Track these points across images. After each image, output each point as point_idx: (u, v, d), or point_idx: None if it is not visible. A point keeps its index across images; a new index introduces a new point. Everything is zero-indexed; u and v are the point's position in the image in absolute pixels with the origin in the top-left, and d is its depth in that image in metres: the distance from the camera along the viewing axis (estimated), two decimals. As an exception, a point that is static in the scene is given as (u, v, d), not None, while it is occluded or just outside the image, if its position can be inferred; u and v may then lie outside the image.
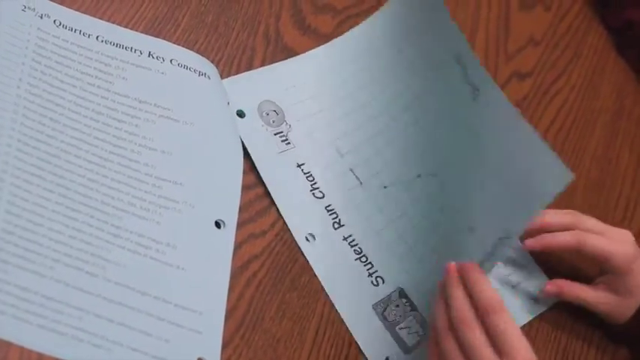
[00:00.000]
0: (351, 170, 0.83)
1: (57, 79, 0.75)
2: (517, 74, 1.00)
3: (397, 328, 0.78)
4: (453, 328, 0.69)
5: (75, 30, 0.78)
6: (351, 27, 0.93)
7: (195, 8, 0.85)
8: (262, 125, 0.82)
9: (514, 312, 0.84)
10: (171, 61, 0.81)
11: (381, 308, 0.78)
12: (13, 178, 0.69)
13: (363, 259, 0.80)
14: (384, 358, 0.76)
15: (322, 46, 0.88)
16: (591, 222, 0.85)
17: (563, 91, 1.02)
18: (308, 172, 0.82)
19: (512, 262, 0.86)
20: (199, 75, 0.81)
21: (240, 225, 0.76)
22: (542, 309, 0.86)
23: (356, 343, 0.77)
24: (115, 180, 0.73)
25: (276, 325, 0.75)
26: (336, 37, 0.91)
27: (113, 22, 0.80)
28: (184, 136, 0.78)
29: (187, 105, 0.79)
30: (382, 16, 0.88)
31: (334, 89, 0.86)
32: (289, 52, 0.87)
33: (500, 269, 0.85)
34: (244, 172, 0.79)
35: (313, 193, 0.81)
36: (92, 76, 0.77)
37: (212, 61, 0.83)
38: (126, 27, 0.80)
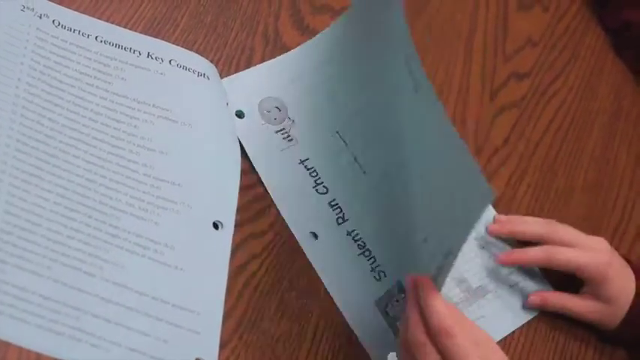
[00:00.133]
0: (355, 159, 0.82)
1: (56, 79, 0.75)
2: (515, 75, 1.00)
3: (398, 323, 0.78)
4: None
5: (74, 30, 0.78)
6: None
7: (194, 8, 0.85)
8: (263, 124, 0.82)
9: (513, 312, 0.85)
10: (170, 61, 0.81)
11: (383, 304, 0.78)
12: (11, 178, 0.69)
13: (367, 253, 0.80)
14: (387, 354, 0.76)
15: (315, 38, 0.86)
16: (565, 232, 0.85)
17: (561, 91, 1.02)
18: (311, 168, 0.82)
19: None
20: (198, 75, 0.81)
21: (239, 225, 0.76)
22: (540, 309, 0.86)
23: (355, 343, 0.77)
24: (113, 180, 0.73)
25: (274, 326, 0.75)
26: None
27: (112, 22, 0.80)
28: (183, 136, 0.78)
29: (186, 105, 0.79)
30: (351, 13, 0.85)
31: (332, 79, 0.84)
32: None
33: (501, 269, 0.85)
34: (243, 173, 0.79)
35: (317, 189, 0.81)
36: (91, 77, 0.77)
37: (211, 61, 0.83)
38: (125, 27, 0.80)
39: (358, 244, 0.80)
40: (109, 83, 0.77)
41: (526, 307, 0.85)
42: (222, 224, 0.76)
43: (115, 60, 0.78)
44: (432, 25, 0.98)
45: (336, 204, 0.81)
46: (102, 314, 0.67)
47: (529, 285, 0.86)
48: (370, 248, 0.80)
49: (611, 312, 0.84)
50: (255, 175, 0.80)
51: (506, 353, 0.82)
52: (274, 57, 0.86)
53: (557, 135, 0.99)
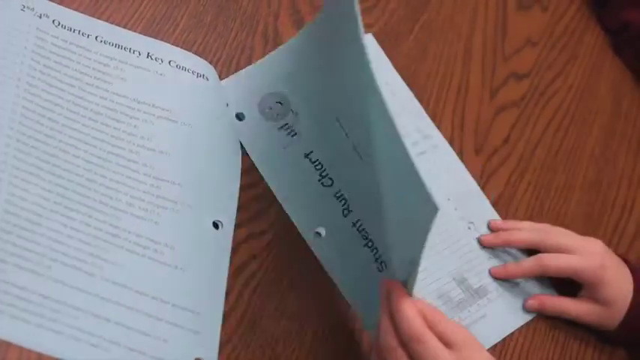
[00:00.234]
0: (354, 147, 0.82)
1: (56, 79, 0.75)
2: (514, 75, 1.00)
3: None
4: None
5: (74, 30, 0.78)
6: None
7: (193, 8, 0.85)
8: (265, 122, 0.82)
9: (514, 312, 0.85)
10: (169, 62, 0.81)
11: None
12: (11, 178, 0.69)
13: (370, 243, 0.79)
14: None
15: (306, 28, 0.85)
16: (559, 237, 0.85)
17: (561, 91, 1.02)
18: (316, 160, 0.81)
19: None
20: (197, 76, 0.81)
21: (239, 225, 0.76)
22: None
23: (356, 342, 0.77)
24: (113, 180, 0.73)
25: (274, 325, 0.75)
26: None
27: (112, 22, 0.80)
28: (183, 136, 0.78)
29: (186, 106, 0.79)
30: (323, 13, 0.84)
31: (323, 69, 0.83)
32: (287, 52, 0.87)
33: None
34: (244, 172, 0.79)
35: (322, 182, 0.81)
36: (91, 77, 0.77)
37: (210, 61, 0.83)
38: (124, 27, 0.80)
39: (362, 235, 0.79)
40: (109, 83, 0.77)
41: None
42: (222, 224, 0.76)
43: (115, 60, 0.78)
44: (431, 25, 0.98)
45: (341, 195, 0.80)
46: (102, 314, 0.67)
47: (530, 285, 0.86)
48: (372, 238, 0.79)
49: (609, 314, 0.84)
50: (256, 175, 0.80)
51: (506, 353, 0.83)
52: (271, 52, 0.86)
53: (556, 134, 0.99)
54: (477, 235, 0.86)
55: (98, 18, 0.80)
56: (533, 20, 1.06)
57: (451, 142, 0.91)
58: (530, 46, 1.04)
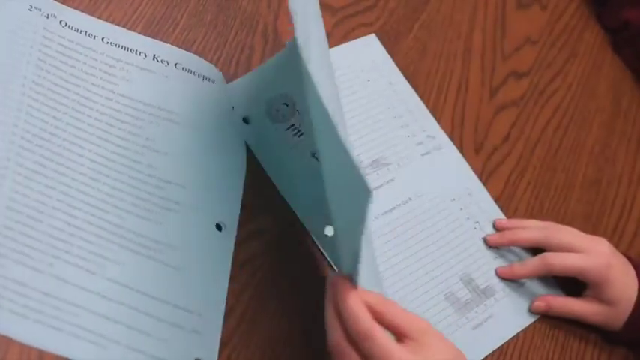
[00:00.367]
0: (312, 154, 0.81)
1: (61, 79, 0.75)
2: (514, 74, 1.00)
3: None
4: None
5: (80, 31, 0.78)
6: (349, 26, 0.93)
7: (193, 7, 0.85)
8: (272, 124, 0.81)
9: (521, 311, 0.85)
10: (175, 64, 0.81)
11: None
12: (15, 175, 0.69)
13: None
14: None
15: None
16: (564, 235, 0.85)
17: (560, 90, 1.02)
18: None
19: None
20: (203, 79, 0.81)
21: (240, 224, 0.76)
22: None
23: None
24: (117, 180, 0.73)
25: (275, 325, 0.74)
26: (334, 36, 0.91)
27: (112, 21, 0.80)
28: (187, 138, 0.78)
29: (191, 108, 0.79)
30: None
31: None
32: (287, 51, 0.87)
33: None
34: (247, 172, 0.79)
35: None
36: (97, 77, 0.77)
37: (210, 61, 0.83)
38: (124, 26, 0.80)
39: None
40: (115, 84, 0.77)
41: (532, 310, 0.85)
42: (225, 225, 0.76)
43: (121, 61, 0.78)
44: (431, 25, 0.98)
45: None
46: (102, 312, 0.67)
47: (536, 285, 0.86)
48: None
49: (614, 313, 0.84)
50: (258, 176, 0.80)
51: (506, 352, 0.83)
52: (274, 56, 0.86)
53: (556, 133, 0.99)
54: (483, 235, 0.86)
55: (98, 17, 0.80)
56: (533, 19, 1.06)
57: (451, 141, 0.91)
58: (530, 45, 1.04)
